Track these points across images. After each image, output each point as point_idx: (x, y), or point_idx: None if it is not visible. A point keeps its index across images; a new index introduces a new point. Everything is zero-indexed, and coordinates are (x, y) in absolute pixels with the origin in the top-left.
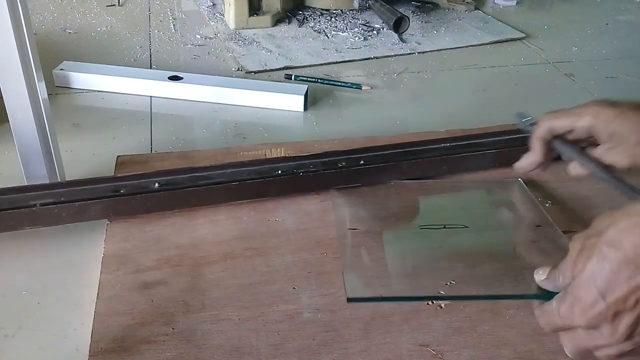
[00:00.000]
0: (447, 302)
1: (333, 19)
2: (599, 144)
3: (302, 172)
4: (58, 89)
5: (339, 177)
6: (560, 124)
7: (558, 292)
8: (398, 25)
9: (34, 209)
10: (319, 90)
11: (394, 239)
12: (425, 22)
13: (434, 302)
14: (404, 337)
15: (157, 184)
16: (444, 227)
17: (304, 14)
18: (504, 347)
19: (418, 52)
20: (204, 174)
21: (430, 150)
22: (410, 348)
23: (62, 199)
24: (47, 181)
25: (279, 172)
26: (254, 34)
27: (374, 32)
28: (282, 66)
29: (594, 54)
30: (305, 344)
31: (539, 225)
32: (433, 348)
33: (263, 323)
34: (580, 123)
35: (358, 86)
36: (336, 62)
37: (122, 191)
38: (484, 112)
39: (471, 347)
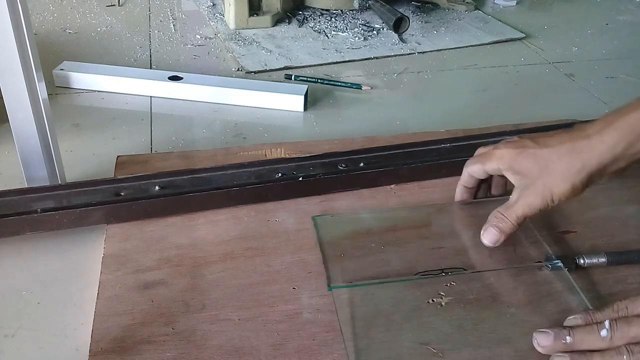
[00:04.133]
0: (447, 300)
1: (333, 19)
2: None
3: (302, 176)
4: (58, 89)
5: (339, 181)
6: (474, 169)
7: None
8: (398, 25)
9: (35, 215)
10: (319, 90)
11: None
12: (425, 22)
13: (434, 300)
14: (404, 335)
15: (157, 187)
16: (442, 274)
17: (304, 14)
18: (504, 346)
19: (418, 52)
20: (204, 175)
21: (431, 151)
22: (411, 346)
23: (63, 203)
24: (47, 181)
25: (280, 175)
26: (254, 34)
27: (374, 32)
28: (282, 66)
29: (594, 54)
30: (305, 344)
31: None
32: (434, 346)
33: (263, 323)
34: (490, 167)
35: (358, 86)
36: (336, 62)
37: (122, 194)
38: (484, 112)
39: (472, 345)
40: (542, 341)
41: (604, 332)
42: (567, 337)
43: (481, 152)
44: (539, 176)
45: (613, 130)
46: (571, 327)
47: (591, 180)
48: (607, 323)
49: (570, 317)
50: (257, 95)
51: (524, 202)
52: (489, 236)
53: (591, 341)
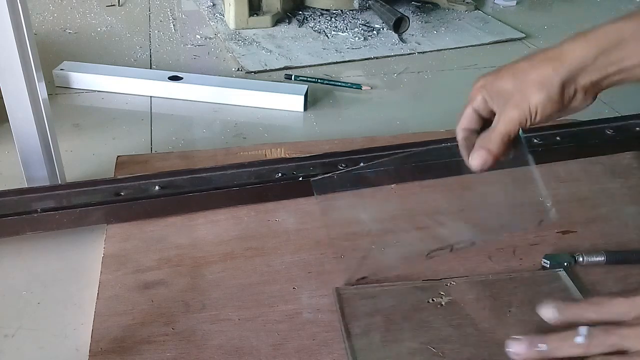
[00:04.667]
0: (447, 300)
1: (333, 19)
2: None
3: (302, 176)
4: (58, 89)
5: (340, 180)
6: (467, 116)
7: None
8: (398, 25)
9: (35, 215)
10: (319, 90)
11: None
12: (425, 22)
13: (434, 300)
14: (404, 335)
15: (157, 187)
16: (451, 250)
17: (304, 14)
18: (504, 345)
19: (418, 52)
20: (204, 175)
21: (431, 151)
22: (411, 346)
23: (63, 203)
24: (47, 181)
25: (280, 174)
26: (254, 34)
27: (374, 32)
28: (282, 66)
29: None
30: (306, 344)
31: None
32: (434, 346)
33: (263, 323)
34: (476, 103)
35: (358, 86)
36: (336, 62)
37: (122, 194)
38: None
39: (472, 345)
40: (516, 349)
41: (579, 339)
42: (541, 345)
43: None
44: (517, 89)
45: (585, 40)
46: (545, 334)
47: (565, 91)
48: (583, 330)
49: (547, 304)
50: (257, 95)
51: (504, 119)
52: (477, 159)
53: (566, 349)
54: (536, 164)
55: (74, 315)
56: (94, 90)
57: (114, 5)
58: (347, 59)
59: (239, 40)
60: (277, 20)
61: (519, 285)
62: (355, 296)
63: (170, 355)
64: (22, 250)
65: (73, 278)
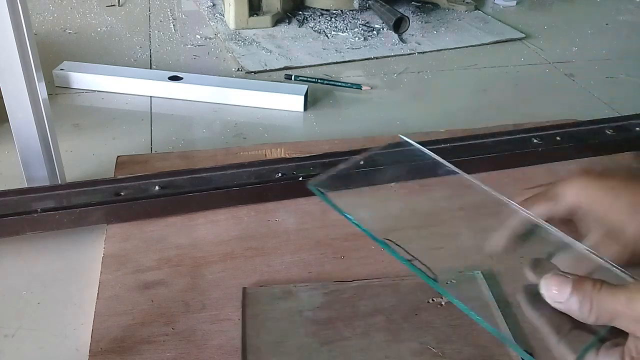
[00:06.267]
0: (447, 300)
1: (333, 19)
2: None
3: (302, 176)
4: (58, 89)
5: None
6: (536, 212)
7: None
8: (398, 26)
9: (35, 215)
10: (319, 91)
11: None
12: (425, 22)
13: (434, 300)
14: (405, 335)
15: (157, 187)
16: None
17: (304, 14)
18: (504, 346)
19: (418, 52)
20: (204, 175)
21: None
22: (411, 346)
23: (63, 203)
24: (47, 181)
25: (280, 174)
26: (254, 34)
27: (374, 32)
28: (282, 66)
29: (594, 54)
30: (306, 343)
31: None
32: (434, 346)
33: (263, 323)
34: (559, 207)
35: (358, 86)
36: (336, 62)
37: (122, 194)
38: (484, 112)
39: (472, 345)
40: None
41: None
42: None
43: (531, 192)
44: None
45: None
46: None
47: None
48: None
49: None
50: (257, 95)
51: (604, 247)
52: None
53: None
54: (536, 164)
55: (74, 315)
56: (94, 90)
57: (114, 5)
58: (347, 59)
59: (239, 40)
60: (277, 20)
61: (518, 285)
62: (261, 296)
63: (170, 355)
64: (22, 250)
65: (73, 278)
